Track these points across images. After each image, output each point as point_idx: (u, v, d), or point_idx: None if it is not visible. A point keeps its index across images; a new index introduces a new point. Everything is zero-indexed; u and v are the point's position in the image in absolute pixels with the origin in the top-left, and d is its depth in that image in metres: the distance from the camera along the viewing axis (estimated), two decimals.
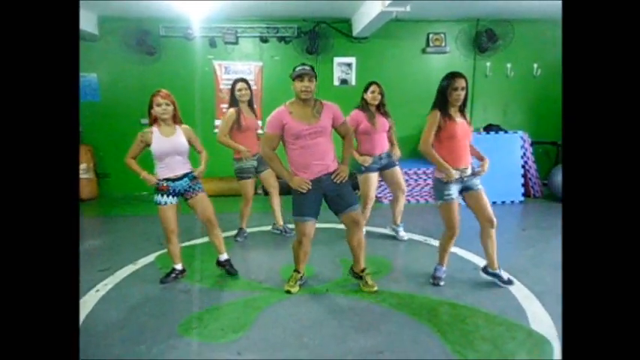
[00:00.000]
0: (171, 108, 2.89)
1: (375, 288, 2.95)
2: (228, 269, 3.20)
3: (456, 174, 2.77)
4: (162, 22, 5.90)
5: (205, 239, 4.07)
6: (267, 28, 6.06)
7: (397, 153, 3.91)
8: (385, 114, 3.81)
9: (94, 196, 6.06)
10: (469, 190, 2.89)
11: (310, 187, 2.72)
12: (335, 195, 2.79)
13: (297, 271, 2.98)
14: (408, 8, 4.51)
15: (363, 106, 3.77)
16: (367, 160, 3.74)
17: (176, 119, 2.98)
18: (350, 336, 2.39)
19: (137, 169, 2.93)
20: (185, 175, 2.98)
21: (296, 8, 5.53)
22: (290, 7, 5.49)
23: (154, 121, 2.94)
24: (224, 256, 3.22)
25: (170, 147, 2.89)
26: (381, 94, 3.74)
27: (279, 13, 5.78)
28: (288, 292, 2.89)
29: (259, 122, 3.95)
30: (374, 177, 3.84)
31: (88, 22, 5.57)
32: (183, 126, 3.01)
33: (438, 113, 2.78)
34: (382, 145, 3.81)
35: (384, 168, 3.87)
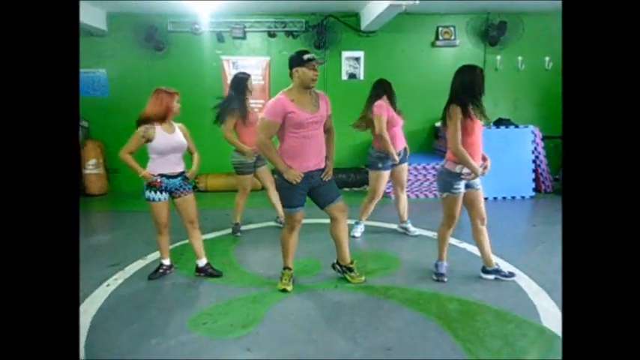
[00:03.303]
0: None
1: (363, 278, 2.99)
2: (210, 273, 3.13)
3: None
4: (170, 17, 5.89)
5: (213, 235, 4.09)
6: (275, 22, 6.02)
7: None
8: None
9: (104, 191, 6.09)
10: (470, 188, 2.87)
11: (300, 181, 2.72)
12: (323, 188, 2.80)
13: (287, 268, 2.97)
14: (417, 2, 4.45)
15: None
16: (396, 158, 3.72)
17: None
18: (359, 332, 2.38)
19: (135, 166, 2.87)
20: (180, 174, 2.97)
21: (304, 2, 5.48)
22: (298, 2, 5.45)
23: (147, 119, 2.86)
24: (203, 261, 3.15)
25: (172, 143, 2.90)
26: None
27: (287, 7, 5.74)
28: (284, 290, 2.86)
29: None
30: (387, 175, 3.85)
31: (97, 18, 5.58)
32: (179, 124, 3.01)
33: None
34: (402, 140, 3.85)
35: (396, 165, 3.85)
